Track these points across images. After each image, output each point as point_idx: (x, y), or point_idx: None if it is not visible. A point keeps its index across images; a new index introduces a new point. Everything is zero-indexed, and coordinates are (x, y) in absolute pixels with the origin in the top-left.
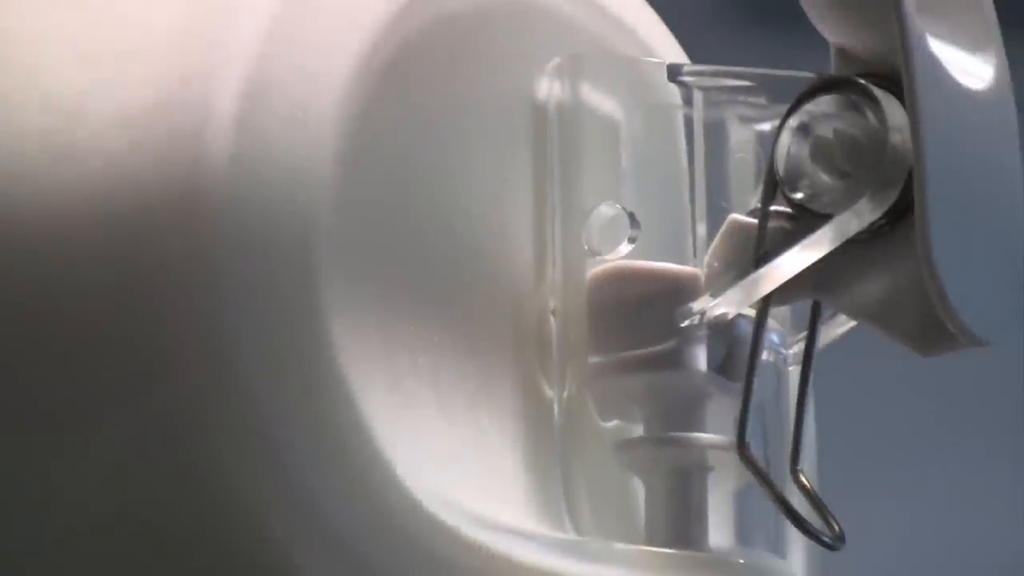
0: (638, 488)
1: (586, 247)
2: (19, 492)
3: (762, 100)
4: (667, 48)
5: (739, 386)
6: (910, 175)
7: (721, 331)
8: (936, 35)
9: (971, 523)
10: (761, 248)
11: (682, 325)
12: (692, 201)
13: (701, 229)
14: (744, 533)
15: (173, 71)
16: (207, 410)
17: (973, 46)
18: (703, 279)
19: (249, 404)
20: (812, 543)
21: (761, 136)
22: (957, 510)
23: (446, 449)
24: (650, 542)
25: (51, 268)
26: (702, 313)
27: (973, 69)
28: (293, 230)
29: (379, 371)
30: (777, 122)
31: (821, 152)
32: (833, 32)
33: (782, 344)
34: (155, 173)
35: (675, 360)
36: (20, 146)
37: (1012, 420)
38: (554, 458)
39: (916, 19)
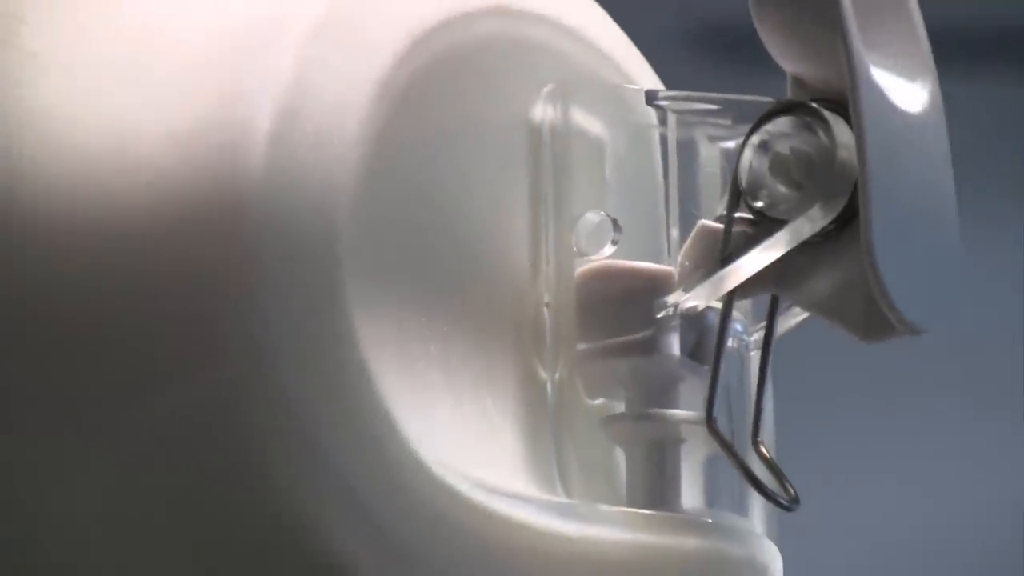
0: (620, 458)
1: (575, 249)
2: (92, 460)
3: (727, 121)
4: (645, 76)
5: (707, 369)
6: (856, 186)
7: (692, 321)
8: (878, 65)
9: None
10: (726, 249)
11: (658, 316)
12: (667, 209)
13: (674, 233)
14: (712, 496)
15: (215, 94)
16: (247, 392)
17: (911, 75)
18: (676, 276)
19: (281, 386)
20: (770, 504)
21: (726, 152)
22: (902, 476)
23: (453, 424)
24: (631, 504)
25: (111, 267)
26: (676, 306)
27: (910, 95)
28: (319, 235)
29: (395, 358)
30: (740, 140)
31: (779, 166)
32: (789, 62)
33: (745, 332)
34: (200, 184)
35: (652, 346)
36: (83, 163)
37: (952, 400)
38: (547, 432)
39: (861, 52)
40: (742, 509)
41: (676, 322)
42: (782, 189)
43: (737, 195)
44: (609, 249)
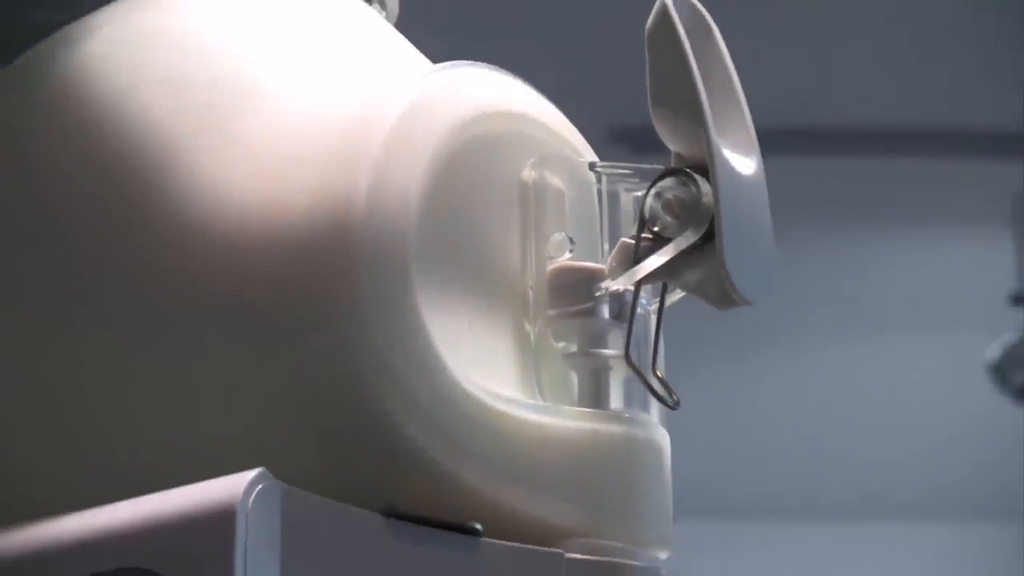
0: (574, 378)
1: (547, 255)
2: (262, 376)
3: (636, 180)
4: (587, 152)
5: (625, 325)
6: (712, 218)
7: (617, 297)
8: (726, 147)
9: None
10: (636, 256)
11: (596, 295)
12: (600, 231)
13: (606, 246)
14: (628, 401)
15: (333, 167)
16: (352, 346)
17: (745, 152)
18: (607, 271)
19: (372, 343)
20: (662, 405)
21: (636, 199)
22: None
23: (475, 359)
24: (580, 405)
25: (276, 271)
26: (606, 289)
27: (745, 164)
28: (397, 252)
29: (441, 323)
30: (644, 191)
31: (667, 207)
32: (673, 145)
33: (648, 303)
34: (325, 220)
35: (592, 312)
36: (250, 204)
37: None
38: (531, 363)
39: (716, 139)
40: (645, 409)
41: (607, 298)
42: (669, 220)
43: (642, 223)
44: (567, 255)
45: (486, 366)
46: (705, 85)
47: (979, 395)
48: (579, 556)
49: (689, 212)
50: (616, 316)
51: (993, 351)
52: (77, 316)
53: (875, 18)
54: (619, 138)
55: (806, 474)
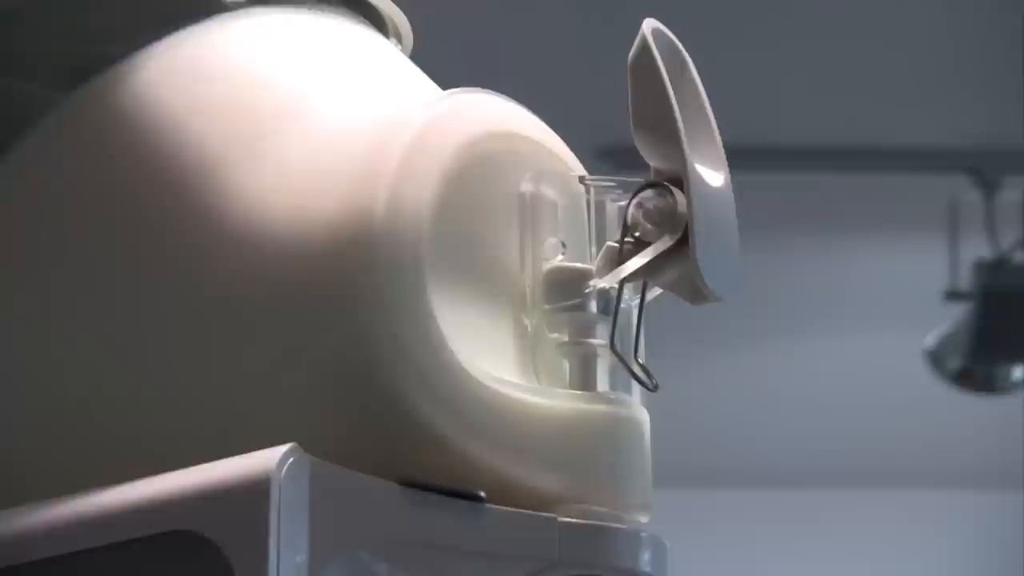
0: (567, 364)
1: (543, 257)
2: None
3: (620, 191)
4: (577, 168)
5: (611, 318)
6: (687, 225)
7: (603, 294)
8: (698, 162)
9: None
10: (620, 258)
11: (585, 291)
12: (589, 237)
13: (594, 249)
14: (613, 384)
15: (357, 178)
16: (373, 333)
17: (714, 166)
18: (594, 271)
19: (391, 331)
20: (642, 388)
21: (620, 208)
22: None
23: (480, 348)
24: (571, 388)
25: (307, 268)
26: (594, 286)
27: (714, 177)
28: (411, 255)
29: (451, 314)
30: (627, 201)
31: (647, 214)
32: (652, 160)
33: (631, 299)
34: (350, 225)
35: (582, 307)
36: (285, 213)
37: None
38: (529, 350)
39: (690, 155)
40: (628, 391)
41: (594, 295)
42: (649, 227)
43: (625, 229)
44: (560, 257)
45: (489, 353)
46: (680, 109)
47: (919, 378)
48: (570, 520)
49: (666, 220)
50: (603, 310)
51: (930, 341)
52: (136, 307)
53: (823, 52)
54: (605, 155)
55: (772, 447)
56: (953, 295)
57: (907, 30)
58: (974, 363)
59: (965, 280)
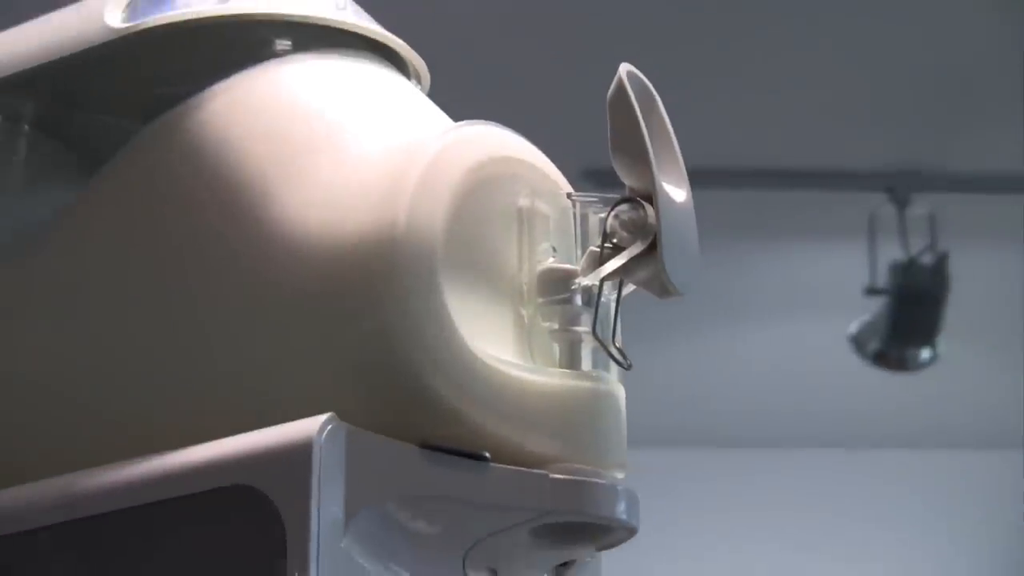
0: (557, 347)
1: (537, 260)
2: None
3: (601, 205)
4: (566, 185)
5: (593, 309)
6: (656, 234)
7: (587, 290)
8: (664, 180)
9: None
10: (600, 260)
11: (572, 288)
12: (575, 242)
13: (579, 253)
14: (595, 363)
15: (382, 195)
16: (395, 326)
17: (678, 184)
18: (580, 271)
19: (409, 323)
20: (618, 366)
21: (601, 220)
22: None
23: (485, 335)
24: (560, 367)
25: (341, 271)
26: (579, 284)
27: (678, 193)
28: (427, 260)
29: (461, 308)
30: (606, 213)
31: (623, 224)
32: (627, 180)
33: (610, 294)
34: (376, 234)
35: (569, 301)
36: (322, 225)
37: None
38: (525, 337)
39: (658, 175)
40: (607, 369)
41: (580, 291)
42: (624, 234)
43: (605, 237)
44: (551, 260)
45: (493, 339)
46: (650, 138)
47: (845, 358)
48: (559, 476)
49: (638, 229)
50: (586, 303)
51: (853, 328)
52: (199, 302)
53: (764, 90)
54: (588, 175)
55: (725, 413)
56: (872, 291)
57: (834, 73)
58: (889, 347)
59: (882, 278)
